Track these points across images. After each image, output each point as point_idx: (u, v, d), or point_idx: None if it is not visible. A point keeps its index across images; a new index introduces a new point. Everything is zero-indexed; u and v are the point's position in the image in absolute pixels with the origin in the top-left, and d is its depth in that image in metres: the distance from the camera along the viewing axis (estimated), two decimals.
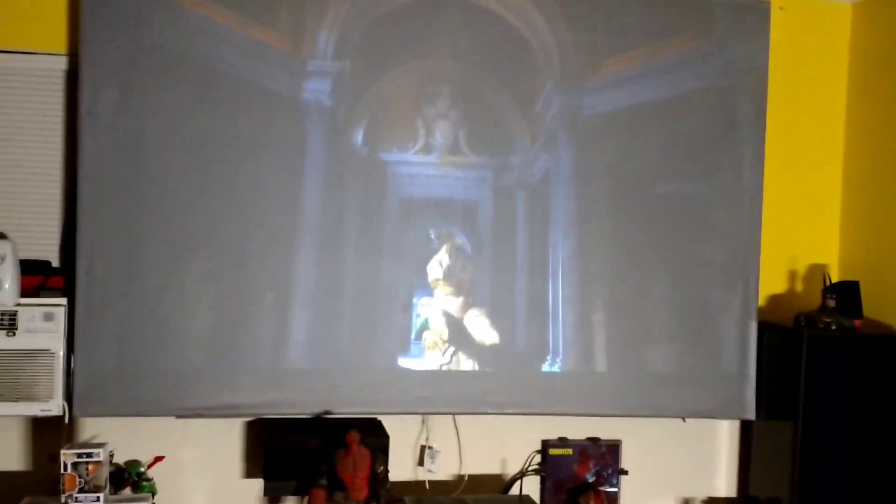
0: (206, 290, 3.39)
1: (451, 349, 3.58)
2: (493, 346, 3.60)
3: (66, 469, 3.00)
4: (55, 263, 3.41)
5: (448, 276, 3.58)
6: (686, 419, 3.75)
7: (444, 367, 3.56)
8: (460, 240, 3.60)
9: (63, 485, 3.00)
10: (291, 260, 3.45)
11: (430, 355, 3.56)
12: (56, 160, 3.40)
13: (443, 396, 3.56)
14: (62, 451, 3.02)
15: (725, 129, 3.73)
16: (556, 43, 3.61)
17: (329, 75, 3.48)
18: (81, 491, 3.00)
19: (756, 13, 3.74)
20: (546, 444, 3.70)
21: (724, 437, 3.92)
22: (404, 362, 3.54)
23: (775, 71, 3.76)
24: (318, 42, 3.46)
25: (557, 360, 3.62)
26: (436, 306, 3.57)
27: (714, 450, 3.91)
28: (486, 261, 3.61)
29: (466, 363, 3.58)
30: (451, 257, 3.58)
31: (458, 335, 3.59)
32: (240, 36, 3.39)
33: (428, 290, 3.58)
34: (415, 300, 3.56)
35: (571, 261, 3.63)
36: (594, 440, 3.72)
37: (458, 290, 3.59)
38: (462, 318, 3.59)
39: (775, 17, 3.77)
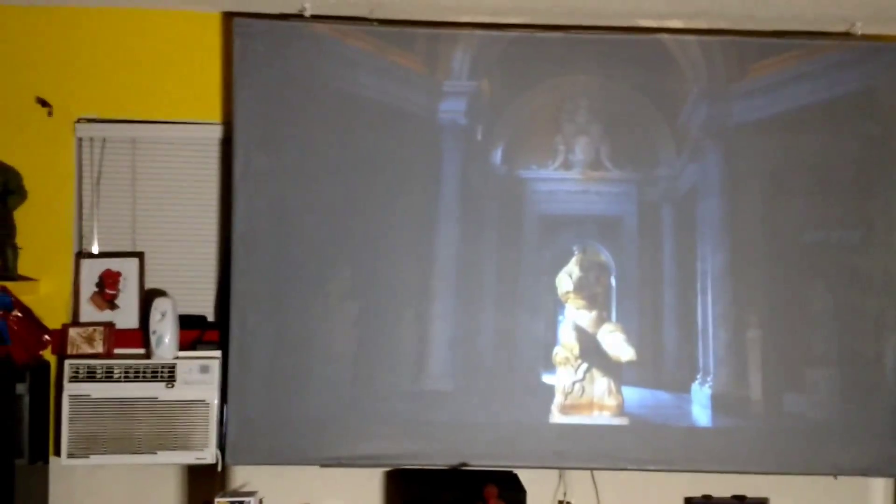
0: (348, 340, 3.52)
1: (585, 365, 3.55)
2: (640, 363, 3.56)
3: None
4: (210, 318, 3.62)
5: (579, 288, 3.57)
6: (837, 476, 3.58)
7: (577, 384, 3.54)
8: (604, 257, 3.58)
9: None
10: (429, 290, 3.54)
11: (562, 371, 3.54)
12: (212, 222, 3.63)
13: (581, 451, 3.54)
14: (216, 499, 3.17)
15: (873, 173, 3.60)
16: (699, 46, 3.58)
17: (464, 94, 3.57)
18: None
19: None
20: (690, 502, 3.59)
21: (878, 496, 3.70)
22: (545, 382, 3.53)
23: None
24: (453, 63, 3.56)
25: (708, 379, 3.54)
26: (568, 321, 3.57)
27: None
28: (632, 277, 3.58)
29: (603, 381, 3.54)
30: (581, 269, 3.56)
31: (593, 351, 3.56)
32: (378, 61, 3.53)
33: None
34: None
35: (723, 276, 3.56)
36: (740, 498, 3.59)
37: (592, 304, 3.57)
38: (597, 333, 3.57)
39: None
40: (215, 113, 3.62)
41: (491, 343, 3.56)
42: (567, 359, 3.56)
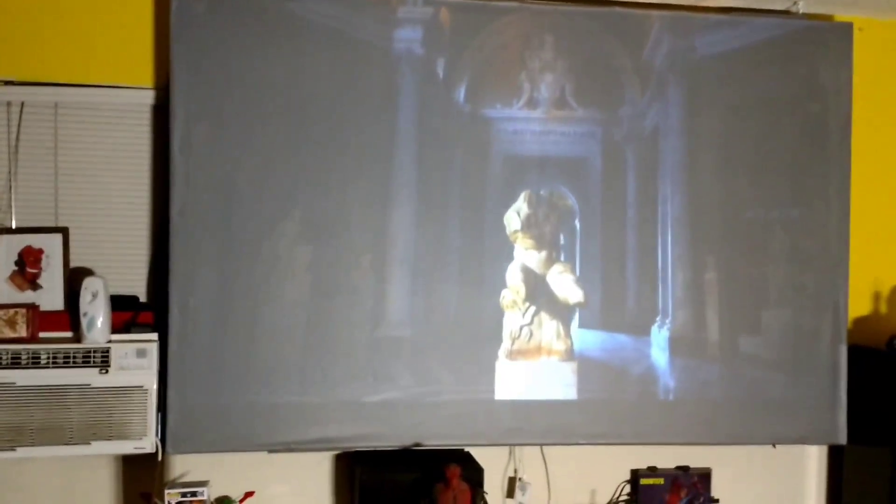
0: (296, 323, 3.37)
1: (532, 308, 3.50)
2: (603, 306, 3.55)
3: None
4: (143, 299, 3.39)
5: (528, 227, 3.50)
6: (776, 445, 3.70)
7: (525, 328, 3.49)
8: (570, 201, 3.54)
9: None
10: (386, 239, 3.42)
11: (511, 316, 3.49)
12: (143, 195, 3.39)
13: (533, 428, 3.52)
14: (166, 490, 3.00)
15: (812, 152, 3.69)
16: None
17: (420, 22, 3.41)
18: None
19: (839, 34, 3.71)
20: (636, 474, 3.65)
21: (814, 463, 3.87)
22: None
23: (858, 92, 3.72)
24: None
25: (667, 321, 3.57)
26: (516, 261, 3.51)
27: (805, 477, 3.87)
28: (595, 219, 3.55)
29: (552, 325, 3.50)
30: (530, 206, 3.50)
31: (542, 293, 3.52)
32: None
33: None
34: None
35: (681, 217, 3.59)
36: (684, 469, 3.67)
37: (541, 244, 3.52)
38: (546, 275, 3.52)
39: (857, 38, 3.73)
40: (147, 77, 3.36)
41: (454, 290, 3.46)
42: (514, 302, 3.48)
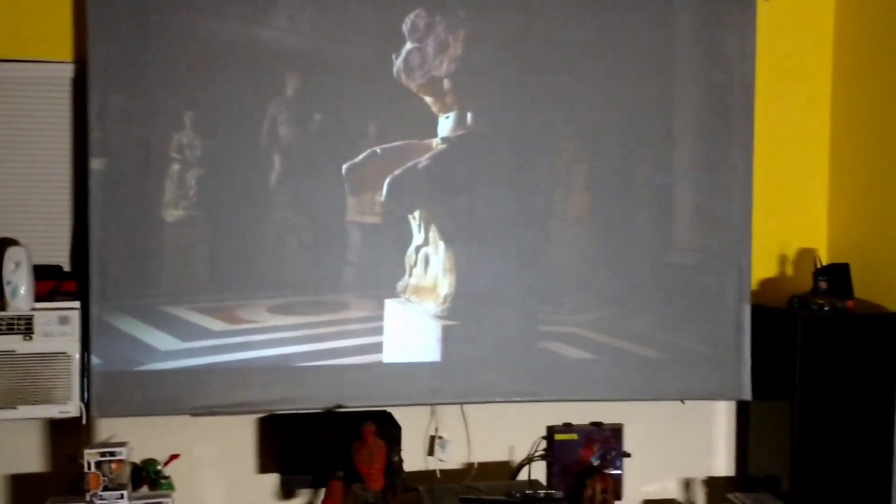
0: (215, 287, 3.47)
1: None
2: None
3: (89, 468, 3.07)
4: (66, 268, 3.47)
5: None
6: (685, 401, 3.87)
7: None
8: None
9: (87, 484, 3.07)
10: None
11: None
12: (64, 167, 3.45)
13: (452, 387, 3.65)
14: (86, 451, 3.08)
15: (716, 118, 3.84)
16: None
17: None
18: (105, 489, 3.07)
19: (742, 4, 3.85)
20: (551, 430, 3.79)
21: (721, 418, 4.03)
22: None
23: (761, 60, 3.87)
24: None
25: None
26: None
27: (713, 431, 4.03)
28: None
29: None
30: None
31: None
32: None
33: None
34: None
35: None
36: (598, 424, 3.82)
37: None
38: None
39: (760, 8, 3.87)
40: (66, 51, 3.42)
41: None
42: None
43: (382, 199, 3.60)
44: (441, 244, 3.64)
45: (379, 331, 3.61)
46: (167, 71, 3.41)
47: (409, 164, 3.60)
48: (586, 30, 3.74)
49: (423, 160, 3.61)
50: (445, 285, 3.65)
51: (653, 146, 3.80)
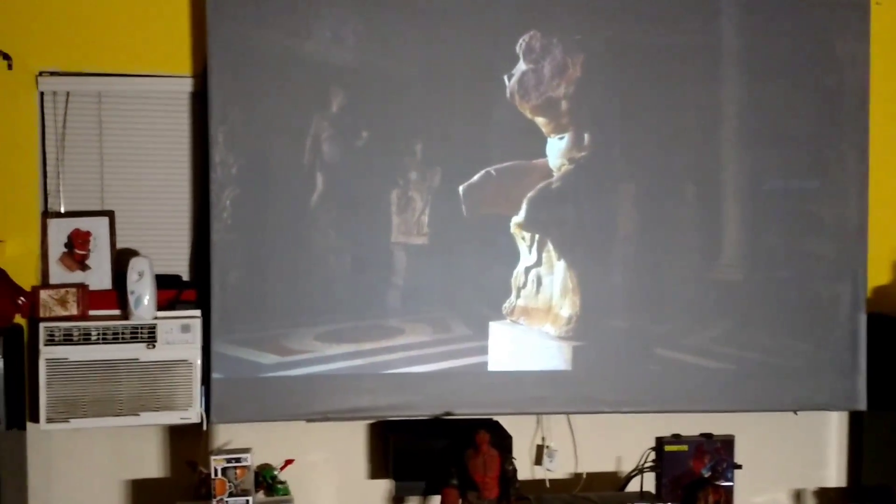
0: (331, 299, 3.52)
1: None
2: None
3: (216, 474, 3.15)
4: (186, 277, 3.56)
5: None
6: (797, 412, 3.80)
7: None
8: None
9: (214, 489, 3.14)
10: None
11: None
12: (184, 179, 3.55)
13: (559, 396, 3.65)
14: (212, 457, 3.16)
15: (828, 123, 3.77)
16: None
17: None
18: (231, 495, 3.15)
19: (855, 8, 3.77)
20: (660, 441, 3.75)
21: (834, 428, 3.96)
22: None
23: (875, 63, 3.78)
24: None
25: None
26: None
27: (825, 441, 3.96)
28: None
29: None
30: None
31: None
32: None
33: None
34: None
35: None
36: (708, 436, 3.76)
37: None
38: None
39: (874, 11, 3.79)
40: (185, 65, 3.51)
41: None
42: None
43: (521, 218, 3.61)
44: (560, 263, 3.63)
45: (483, 350, 3.62)
46: (285, 82, 3.48)
47: (542, 184, 3.61)
48: (690, 34, 3.70)
49: (555, 180, 3.62)
50: (567, 305, 3.64)
51: (764, 152, 3.74)
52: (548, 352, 3.64)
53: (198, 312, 3.41)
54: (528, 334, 3.64)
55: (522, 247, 3.64)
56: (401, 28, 3.53)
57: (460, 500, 3.29)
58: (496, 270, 3.63)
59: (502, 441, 3.47)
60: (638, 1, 3.66)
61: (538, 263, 3.65)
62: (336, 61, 3.49)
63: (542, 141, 3.63)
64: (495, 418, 3.66)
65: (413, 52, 3.54)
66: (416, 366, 3.58)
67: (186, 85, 3.51)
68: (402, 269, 3.57)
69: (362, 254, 3.55)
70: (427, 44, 3.55)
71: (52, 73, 3.43)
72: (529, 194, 3.60)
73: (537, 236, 3.63)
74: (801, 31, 3.75)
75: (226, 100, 3.42)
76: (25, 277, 3.40)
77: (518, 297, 3.64)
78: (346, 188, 3.52)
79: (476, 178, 3.57)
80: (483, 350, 3.61)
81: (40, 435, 3.38)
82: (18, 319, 3.38)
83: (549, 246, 3.64)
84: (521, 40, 3.58)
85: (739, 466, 3.75)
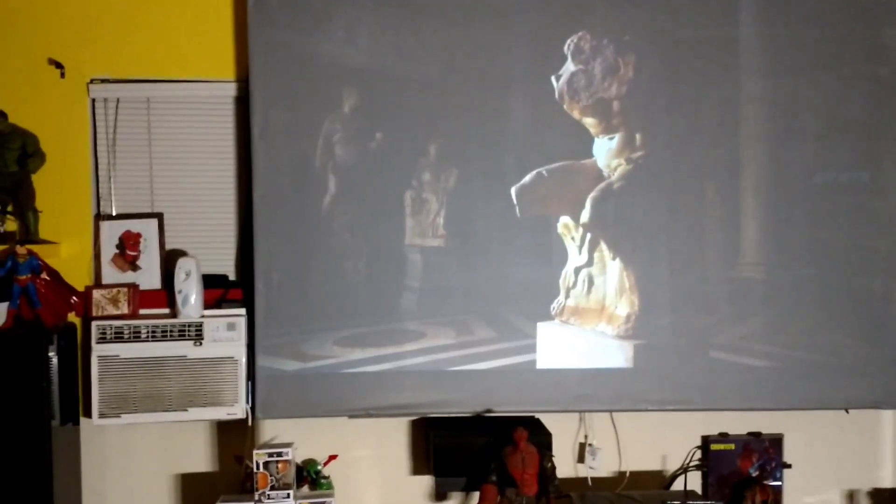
0: (372, 297, 3.57)
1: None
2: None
3: (258, 468, 3.22)
4: (231, 277, 3.65)
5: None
6: (849, 410, 3.70)
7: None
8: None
9: (256, 483, 3.22)
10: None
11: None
12: (230, 181, 3.63)
13: (601, 394, 3.63)
14: (254, 451, 3.23)
15: (881, 114, 3.67)
16: None
17: None
18: (273, 489, 3.21)
19: None
20: (706, 440, 3.69)
21: (888, 427, 3.85)
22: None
23: None
24: None
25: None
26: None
27: (878, 440, 3.85)
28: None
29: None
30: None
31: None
32: None
33: None
34: None
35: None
36: (756, 434, 3.70)
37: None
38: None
39: None
40: (229, 70, 3.59)
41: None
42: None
43: (586, 218, 3.61)
44: (615, 263, 3.62)
45: (531, 349, 3.62)
46: (325, 85, 3.54)
47: (603, 184, 3.61)
48: (739, 27, 3.64)
49: (616, 180, 3.61)
50: (624, 304, 3.62)
51: (814, 145, 3.66)
52: (606, 351, 3.62)
53: (243, 310, 3.50)
54: (581, 334, 3.63)
55: (571, 247, 3.63)
56: (423, 29, 3.56)
57: (499, 497, 3.30)
58: (544, 271, 3.63)
59: (542, 438, 3.46)
60: None
61: (589, 263, 3.64)
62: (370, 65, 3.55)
63: (589, 141, 3.61)
64: (537, 416, 3.66)
65: (438, 54, 3.57)
66: (458, 366, 3.59)
67: (230, 90, 3.60)
68: (448, 271, 3.61)
69: (400, 259, 3.61)
70: (448, 47, 3.57)
71: (103, 81, 3.55)
72: (592, 194, 3.59)
73: (588, 236, 3.61)
74: (848, 20, 3.66)
75: (266, 103, 3.49)
76: (79, 278, 3.53)
77: (567, 297, 3.63)
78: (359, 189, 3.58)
79: (528, 178, 3.57)
80: (530, 349, 3.61)
81: (93, 430, 3.50)
82: (72, 318, 3.51)
83: (602, 245, 3.62)
84: (569, 41, 3.57)
85: (789, 466, 3.68)
